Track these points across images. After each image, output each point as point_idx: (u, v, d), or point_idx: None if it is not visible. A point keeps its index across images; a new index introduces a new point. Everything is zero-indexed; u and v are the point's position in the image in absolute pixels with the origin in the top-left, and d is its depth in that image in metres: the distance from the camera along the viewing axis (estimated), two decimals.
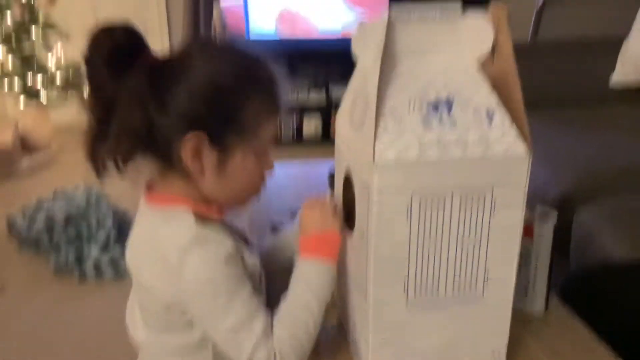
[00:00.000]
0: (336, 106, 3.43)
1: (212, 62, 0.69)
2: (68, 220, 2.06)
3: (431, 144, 0.66)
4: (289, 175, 1.57)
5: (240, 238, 0.75)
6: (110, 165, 0.69)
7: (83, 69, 0.67)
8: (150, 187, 0.76)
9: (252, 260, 0.74)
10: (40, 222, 2.09)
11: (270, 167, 0.77)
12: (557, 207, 0.89)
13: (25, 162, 3.00)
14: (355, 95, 0.75)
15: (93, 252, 1.89)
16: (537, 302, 0.91)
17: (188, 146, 0.67)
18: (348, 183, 0.76)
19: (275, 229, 1.23)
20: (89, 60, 0.66)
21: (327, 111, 3.54)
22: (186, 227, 0.68)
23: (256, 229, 1.16)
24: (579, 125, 1.91)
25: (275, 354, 0.68)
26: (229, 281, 0.67)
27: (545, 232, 0.87)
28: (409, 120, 0.67)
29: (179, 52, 0.71)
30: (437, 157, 0.65)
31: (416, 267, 0.69)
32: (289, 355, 0.68)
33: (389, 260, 0.69)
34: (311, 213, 0.78)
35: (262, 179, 0.77)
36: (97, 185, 2.57)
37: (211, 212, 0.73)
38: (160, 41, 3.75)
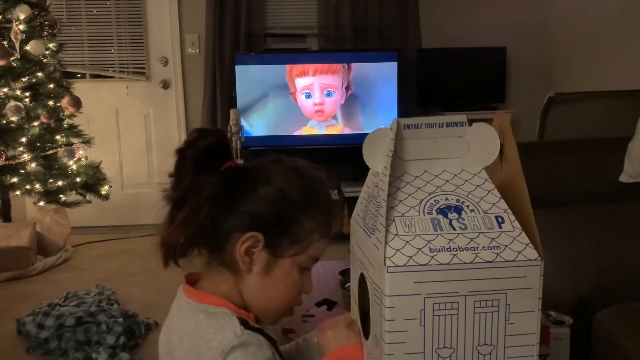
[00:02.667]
0: (348, 203, 3.47)
1: (283, 174, 0.77)
2: (78, 323, 2.04)
3: (442, 249, 0.67)
4: None
5: (274, 345, 0.76)
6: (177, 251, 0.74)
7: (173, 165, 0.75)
8: (190, 281, 0.78)
9: None
10: (49, 326, 2.07)
11: (308, 290, 0.79)
12: (574, 310, 0.87)
13: (40, 263, 3.02)
14: (368, 200, 0.77)
15: (101, 358, 1.84)
16: None
17: (245, 244, 0.73)
18: (363, 288, 0.76)
19: (286, 332, 1.21)
20: (182, 152, 0.74)
21: (340, 209, 3.57)
22: (232, 332, 0.70)
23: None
24: (590, 224, 1.91)
25: None
26: None
27: (562, 339, 0.85)
28: (419, 225, 0.68)
29: (255, 162, 0.80)
30: (448, 261, 0.66)
31: None
32: None
33: None
34: (328, 333, 0.79)
35: (297, 299, 0.79)
36: (109, 288, 2.57)
37: (250, 319, 0.75)
38: None
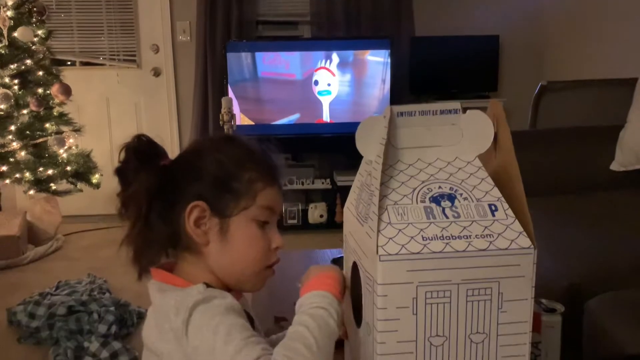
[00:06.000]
0: (340, 192, 3.48)
1: (213, 146, 0.80)
2: (69, 312, 2.03)
3: (434, 237, 0.66)
4: (293, 266, 1.55)
5: (250, 322, 0.74)
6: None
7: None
8: (158, 272, 0.78)
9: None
10: (40, 315, 2.06)
11: (278, 244, 0.79)
12: (566, 299, 0.87)
13: (31, 252, 3.00)
14: (361, 188, 0.76)
15: (93, 347, 1.84)
16: None
17: (191, 217, 0.74)
18: (356, 276, 0.75)
19: (278, 320, 1.21)
20: (120, 171, 0.76)
21: (332, 197, 3.57)
22: (196, 291, 0.71)
23: (259, 321, 1.14)
24: (582, 212, 1.91)
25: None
26: (228, 326, 0.67)
27: (554, 327, 0.85)
28: (412, 214, 0.68)
29: (185, 148, 0.82)
30: (441, 250, 0.66)
31: None
32: None
33: (396, 357, 0.67)
34: (311, 269, 0.79)
35: (268, 256, 0.78)
36: (101, 277, 2.56)
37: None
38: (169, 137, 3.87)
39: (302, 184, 3.60)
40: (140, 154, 0.76)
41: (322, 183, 3.62)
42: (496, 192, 0.71)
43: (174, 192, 0.76)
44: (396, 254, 0.65)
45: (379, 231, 0.66)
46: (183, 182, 0.76)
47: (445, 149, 0.74)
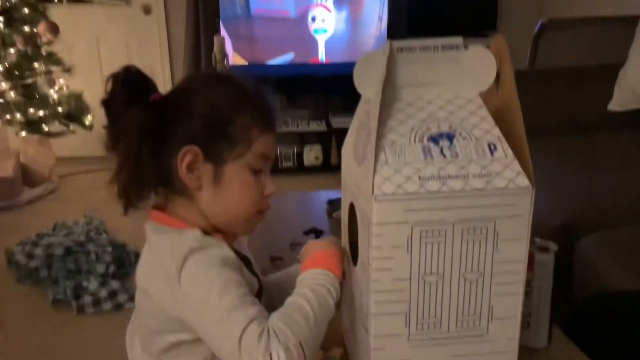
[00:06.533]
0: (336, 134, 3.45)
1: (206, 85, 0.76)
2: (67, 252, 2.05)
3: (431, 177, 0.65)
4: (288, 207, 1.56)
5: (243, 260, 0.75)
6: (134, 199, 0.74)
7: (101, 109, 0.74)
8: (155, 212, 0.77)
9: (251, 280, 0.74)
10: (39, 256, 2.07)
11: (270, 189, 0.77)
12: (558, 237, 0.88)
13: (26, 194, 3.00)
14: (359, 128, 0.75)
15: (91, 286, 1.87)
16: (540, 336, 0.89)
17: (184, 162, 0.72)
18: (353, 217, 0.75)
19: (274, 260, 1.22)
20: (106, 102, 0.72)
21: (328, 139, 3.55)
22: (192, 237, 0.70)
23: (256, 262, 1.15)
24: (578, 153, 1.91)
25: (269, 329, 0.64)
26: (224, 280, 0.67)
27: (546, 265, 0.86)
28: (409, 153, 0.67)
29: (177, 85, 0.78)
30: (437, 189, 0.65)
31: (417, 302, 0.68)
32: (282, 330, 0.64)
33: (390, 295, 0.67)
34: (309, 243, 0.79)
35: (260, 202, 0.77)
36: (97, 218, 2.57)
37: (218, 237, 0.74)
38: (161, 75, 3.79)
39: (297, 126, 3.57)
40: (129, 85, 0.72)
41: (318, 125, 3.59)
42: (496, 131, 0.69)
43: (165, 132, 0.73)
44: (392, 193, 0.64)
45: (375, 171, 0.65)
46: (174, 122, 0.73)
47: (446, 87, 0.72)
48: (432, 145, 0.68)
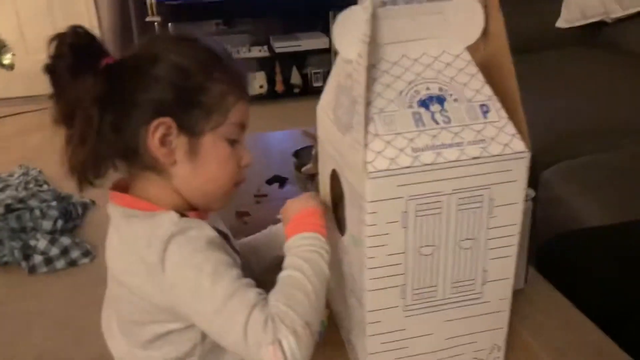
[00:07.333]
0: (280, 59, 3.29)
1: (170, 47, 0.68)
2: (7, 210, 1.91)
3: (425, 147, 0.61)
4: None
5: (226, 239, 0.71)
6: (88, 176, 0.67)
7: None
8: (118, 188, 0.71)
9: (233, 257, 0.69)
10: None
11: (247, 161, 0.72)
12: None
13: None
14: (339, 91, 0.68)
15: (40, 244, 1.76)
16: (518, 279, 0.90)
17: (156, 135, 0.65)
18: (336, 183, 0.70)
19: (241, 215, 1.17)
20: (51, 67, 0.63)
21: (271, 66, 3.42)
22: (169, 221, 0.64)
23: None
24: (530, 76, 1.90)
25: (272, 316, 0.60)
26: (213, 264, 0.62)
27: (526, 212, 0.85)
28: (399, 121, 0.62)
29: (135, 46, 0.70)
30: (432, 161, 0.61)
31: (413, 275, 0.66)
32: (287, 314, 0.61)
33: (385, 270, 0.65)
34: (287, 203, 0.75)
35: (238, 174, 0.72)
36: (34, 167, 2.41)
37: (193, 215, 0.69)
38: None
39: (238, 52, 3.39)
40: (78, 49, 0.63)
41: (259, 51, 3.43)
42: (487, 90, 0.65)
43: (127, 100, 0.65)
44: (385, 169, 0.59)
45: (366, 145, 0.60)
46: (137, 90, 0.65)
47: (432, 42, 0.66)
48: (422, 110, 0.63)
